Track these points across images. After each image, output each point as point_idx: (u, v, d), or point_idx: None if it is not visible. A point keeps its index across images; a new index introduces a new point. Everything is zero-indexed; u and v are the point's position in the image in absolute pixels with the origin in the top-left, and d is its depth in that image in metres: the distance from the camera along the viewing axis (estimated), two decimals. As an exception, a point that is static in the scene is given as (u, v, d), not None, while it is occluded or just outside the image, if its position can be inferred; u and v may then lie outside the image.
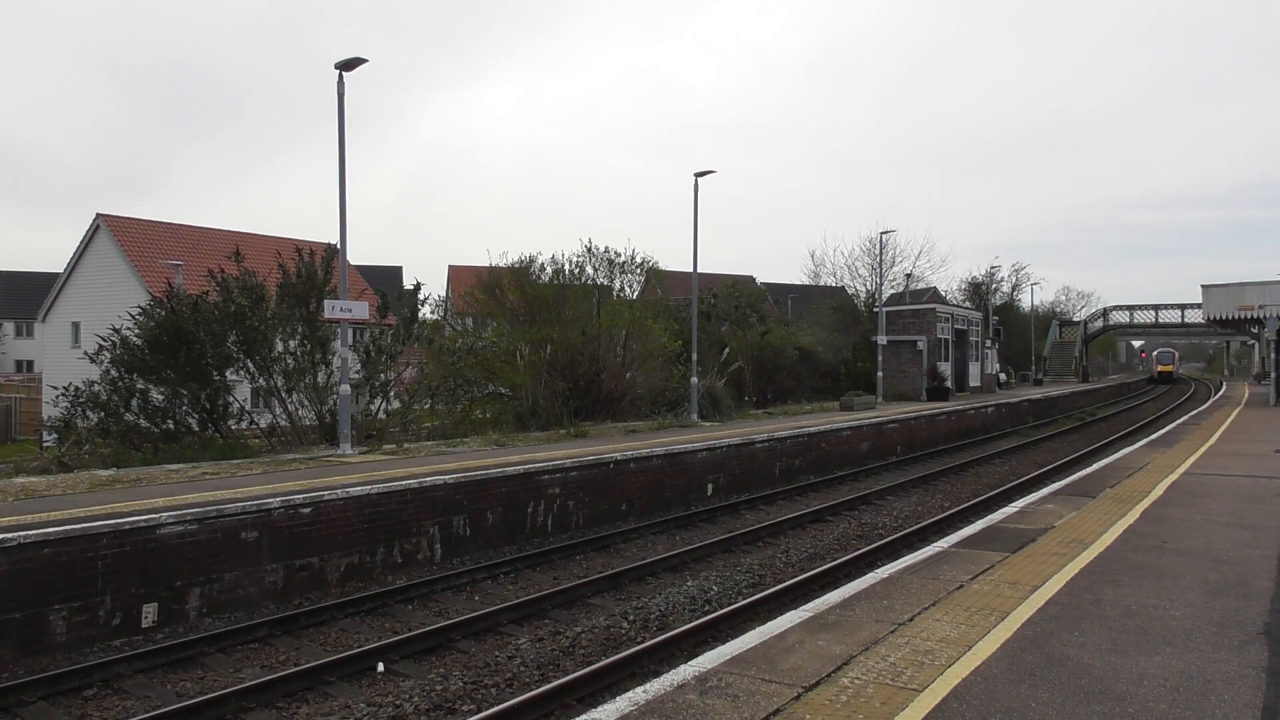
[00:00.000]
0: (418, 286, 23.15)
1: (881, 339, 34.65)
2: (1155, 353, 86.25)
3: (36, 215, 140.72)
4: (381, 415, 19.87)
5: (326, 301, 16.27)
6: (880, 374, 34.58)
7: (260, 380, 18.38)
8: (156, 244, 37.08)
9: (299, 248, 19.59)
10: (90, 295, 37.43)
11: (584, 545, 13.37)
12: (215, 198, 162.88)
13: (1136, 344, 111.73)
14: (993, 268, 73.82)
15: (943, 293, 51.83)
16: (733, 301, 36.66)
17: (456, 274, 53.25)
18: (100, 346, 17.06)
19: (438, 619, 9.87)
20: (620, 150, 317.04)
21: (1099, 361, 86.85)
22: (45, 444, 24.61)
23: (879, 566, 9.24)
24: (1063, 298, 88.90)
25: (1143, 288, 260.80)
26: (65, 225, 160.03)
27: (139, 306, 17.63)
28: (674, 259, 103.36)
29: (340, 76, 15.86)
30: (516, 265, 25.24)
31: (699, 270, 25.00)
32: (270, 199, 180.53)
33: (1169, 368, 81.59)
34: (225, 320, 17.16)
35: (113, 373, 16.63)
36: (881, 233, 39.99)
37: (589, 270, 26.16)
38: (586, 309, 24.87)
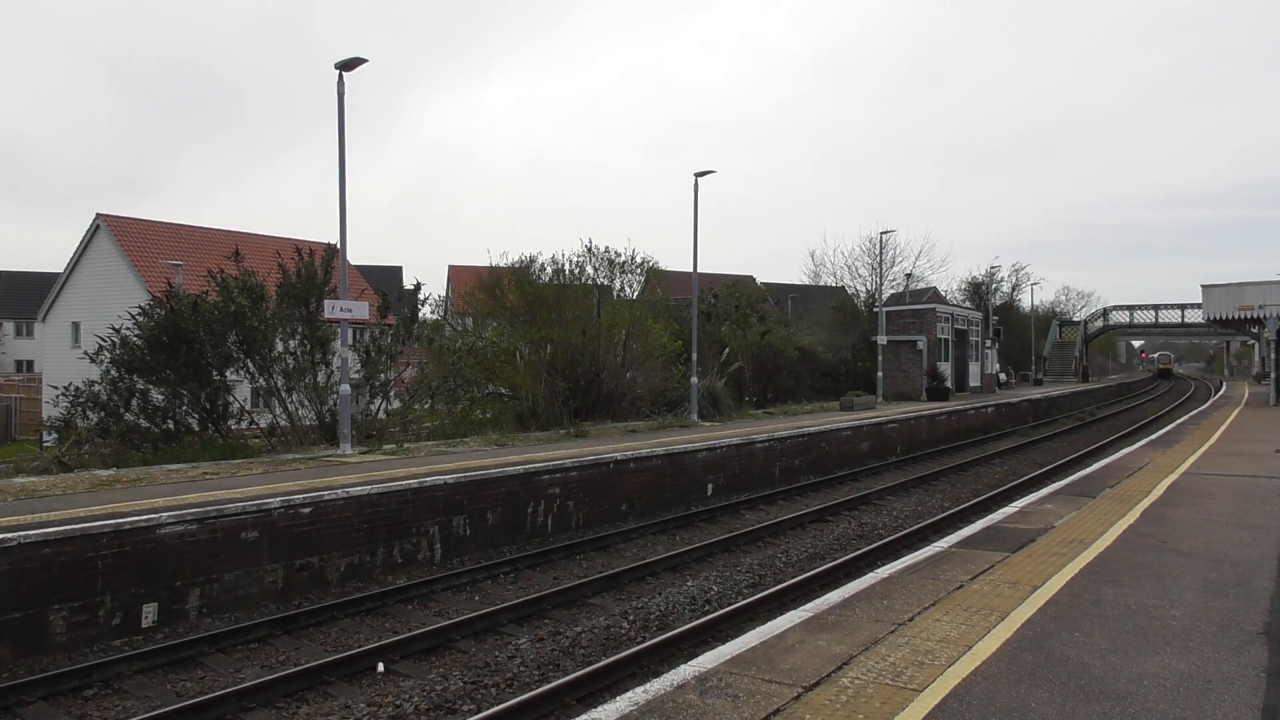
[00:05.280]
0: (418, 286, 23.14)
1: (881, 339, 34.65)
2: (1156, 354, 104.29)
3: (36, 215, 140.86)
4: (381, 415, 19.87)
5: (326, 301, 16.26)
6: (880, 374, 34.59)
7: (260, 380, 18.37)
8: (156, 244, 37.08)
9: (299, 248, 19.58)
10: (90, 295, 37.42)
11: (584, 545, 13.37)
12: (215, 198, 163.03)
13: (1136, 344, 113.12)
14: (993, 268, 73.84)
15: (943, 293, 51.86)
16: (733, 301, 36.65)
17: (456, 274, 53.27)
18: (100, 346, 17.05)
19: (438, 619, 9.87)
20: (622, 150, 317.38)
21: (1099, 361, 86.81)
22: (45, 444, 24.64)
23: (879, 566, 9.24)
24: (1063, 298, 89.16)
25: (1143, 288, 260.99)
26: (65, 225, 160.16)
27: (139, 306, 17.63)
28: (674, 259, 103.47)
29: (340, 77, 15.85)
30: (517, 265, 25.24)
31: (699, 270, 24.99)
32: (270, 199, 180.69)
33: (1168, 366, 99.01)
34: (225, 320, 17.16)
35: (113, 373, 16.62)
36: (881, 233, 40.06)
37: (589, 270, 26.18)
38: (586, 309, 24.87)
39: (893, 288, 46.85)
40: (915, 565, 8.17)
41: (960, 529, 10.56)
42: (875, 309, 37.85)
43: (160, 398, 16.96)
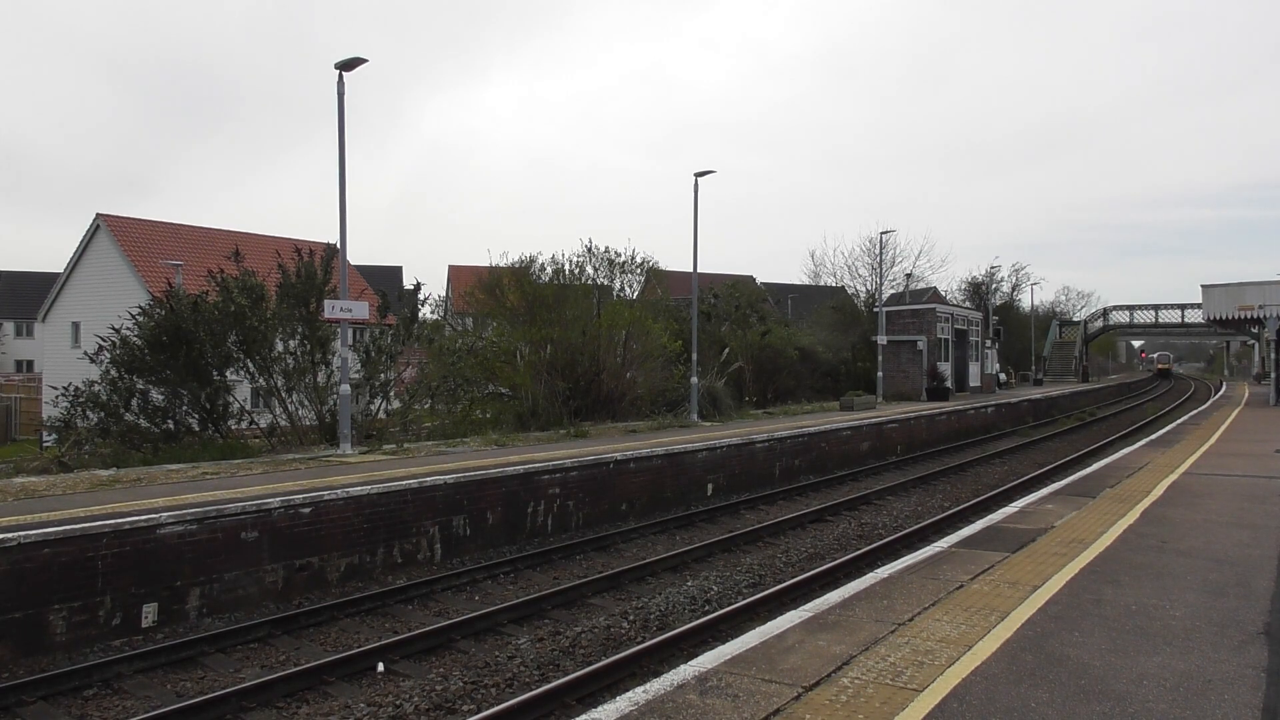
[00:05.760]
0: (418, 286, 23.15)
1: (881, 339, 34.66)
2: (1156, 355, 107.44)
3: (36, 215, 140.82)
4: (381, 415, 19.87)
5: (326, 301, 16.27)
6: (880, 374, 34.60)
7: (260, 380, 18.38)
8: (156, 244, 37.08)
9: (299, 248, 19.58)
10: (90, 295, 37.42)
11: (584, 545, 13.37)
12: (215, 198, 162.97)
13: (1136, 344, 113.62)
14: (993, 268, 73.73)
15: (943, 293, 51.85)
16: (733, 301, 36.65)
17: (456, 274, 53.26)
18: (100, 346, 17.05)
19: (438, 619, 9.87)
20: (622, 150, 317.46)
21: (1099, 361, 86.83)
22: (45, 444, 24.62)
23: (879, 566, 9.23)
24: (1063, 298, 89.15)
25: (1143, 288, 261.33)
26: (65, 225, 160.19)
27: (139, 306, 17.64)
28: (674, 259, 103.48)
29: (340, 77, 15.86)
30: (517, 265, 25.25)
31: (699, 270, 24.99)
32: (271, 199, 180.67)
33: (1167, 366, 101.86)
34: (225, 320, 17.17)
35: (112, 373, 16.63)
36: (881, 233, 40.09)
37: (589, 270, 26.20)
38: (586, 309, 24.87)
39: (893, 288, 46.92)
40: (915, 565, 8.17)
41: (960, 529, 10.56)
42: (875, 309, 37.86)
43: (160, 398, 16.96)
